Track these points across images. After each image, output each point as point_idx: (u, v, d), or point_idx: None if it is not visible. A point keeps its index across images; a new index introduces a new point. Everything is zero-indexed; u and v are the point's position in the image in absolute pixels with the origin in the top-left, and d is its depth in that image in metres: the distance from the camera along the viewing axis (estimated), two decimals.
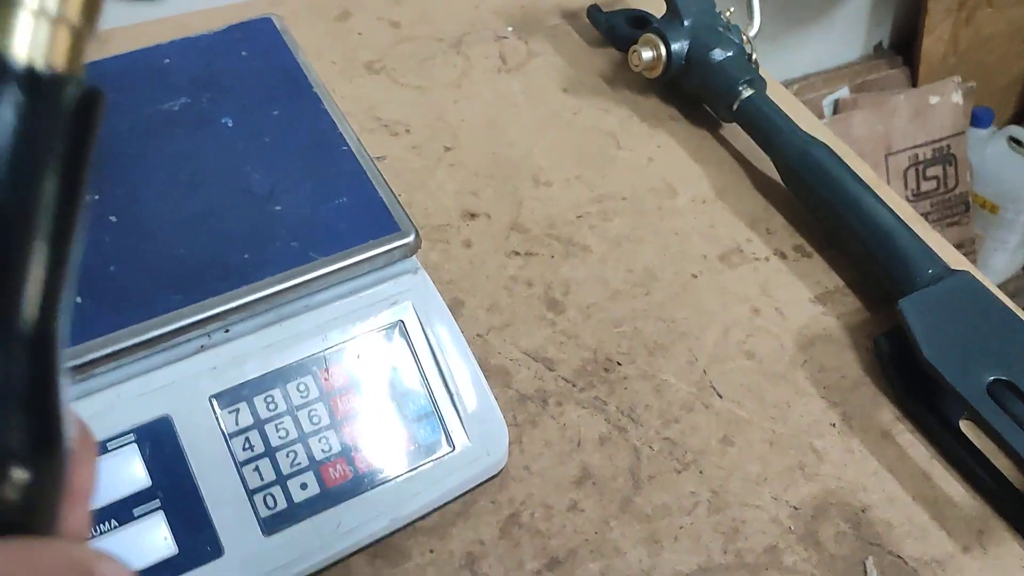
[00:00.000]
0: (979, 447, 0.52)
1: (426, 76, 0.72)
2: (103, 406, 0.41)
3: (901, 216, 0.59)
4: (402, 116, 0.69)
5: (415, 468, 0.45)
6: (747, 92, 0.66)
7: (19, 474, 0.17)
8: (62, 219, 0.18)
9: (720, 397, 0.54)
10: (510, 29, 0.78)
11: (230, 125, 0.49)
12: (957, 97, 1.46)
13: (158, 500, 0.40)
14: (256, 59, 0.54)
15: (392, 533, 0.46)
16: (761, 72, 0.69)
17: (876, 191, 0.60)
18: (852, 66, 1.50)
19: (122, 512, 0.40)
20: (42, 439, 0.18)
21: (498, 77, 0.73)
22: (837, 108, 1.47)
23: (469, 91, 0.72)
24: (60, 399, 0.19)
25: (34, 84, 0.16)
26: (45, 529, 0.18)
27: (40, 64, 0.16)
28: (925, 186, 1.48)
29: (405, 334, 0.46)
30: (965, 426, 0.52)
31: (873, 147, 1.44)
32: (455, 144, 0.67)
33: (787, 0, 1.32)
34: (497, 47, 0.76)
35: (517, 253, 0.60)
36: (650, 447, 0.52)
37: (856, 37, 1.50)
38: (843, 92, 1.48)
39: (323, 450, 0.43)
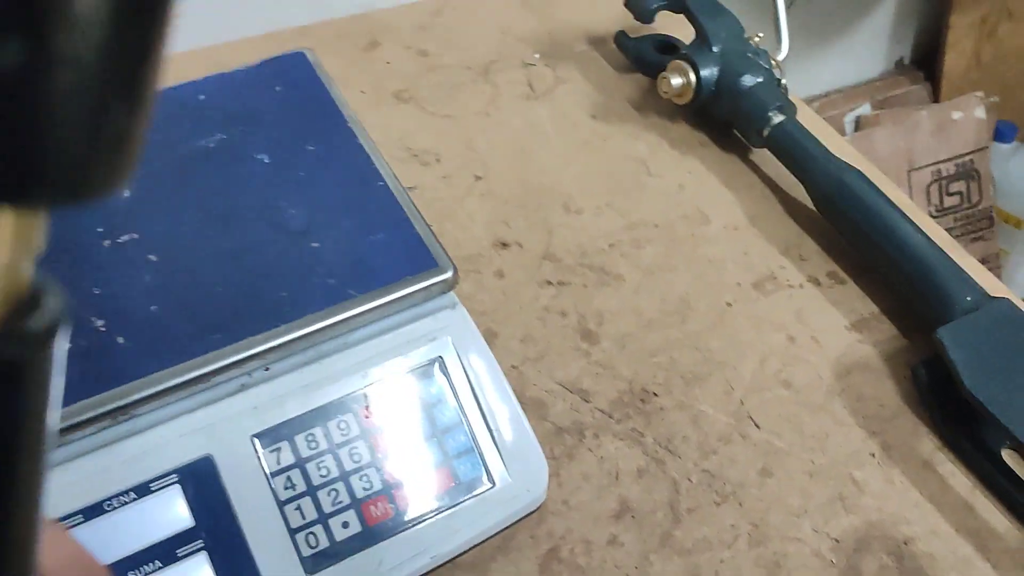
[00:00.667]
0: (1022, 477, 0.51)
1: (455, 104, 0.73)
2: (146, 447, 0.41)
3: (936, 242, 0.58)
4: (432, 145, 0.69)
5: (456, 505, 0.45)
6: (778, 118, 0.66)
7: None
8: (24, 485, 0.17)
9: (758, 428, 0.54)
10: (537, 56, 0.78)
11: (266, 161, 0.50)
12: (980, 112, 1.45)
13: (201, 540, 0.40)
14: (290, 94, 0.54)
15: (433, 570, 0.46)
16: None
17: (911, 216, 0.60)
18: (874, 82, 1.50)
19: (165, 553, 0.40)
20: None
21: (526, 104, 0.73)
22: (859, 125, 1.46)
23: (498, 119, 0.72)
24: None
25: None
26: None
27: None
28: (948, 201, 1.47)
29: (444, 370, 0.46)
30: (1008, 455, 0.52)
31: (895, 163, 1.44)
32: (485, 173, 0.67)
33: (808, 17, 1.32)
34: (524, 74, 0.76)
35: (550, 283, 0.60)
36: (689, 479, 0.51)
37: (878, 53, 1.49)
38: (865, 108, 1.47)
39: (364, 488, 0.43)
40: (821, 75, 1.43)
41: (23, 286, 0.15)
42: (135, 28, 0.14)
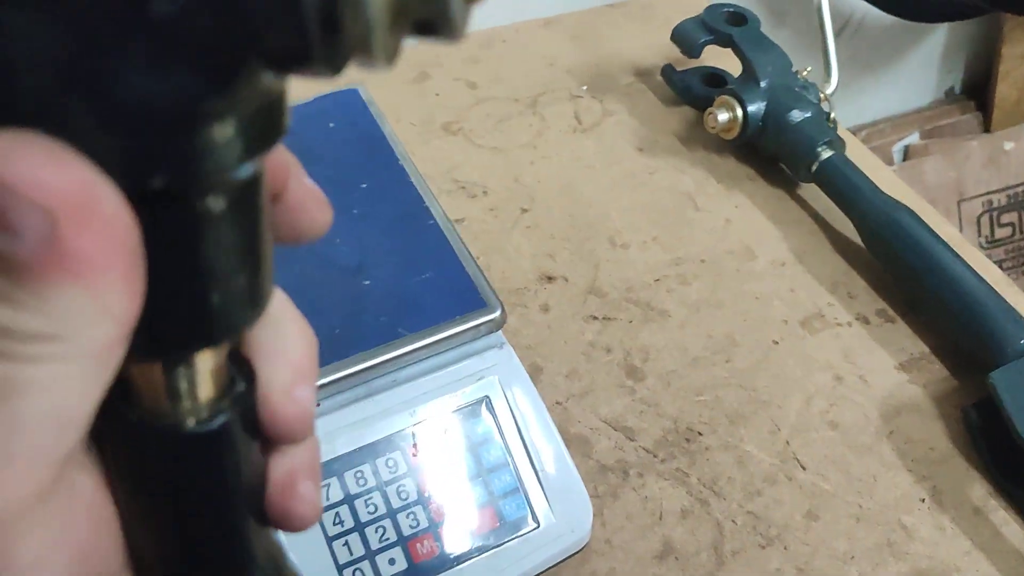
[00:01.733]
0: None
1: (503, 137, 0.73)
2: None
3: (988, 280, 0.58)
4: (479, 178, 0.69)
5: (500, 545, 0.45)
6: (826, 153, 0.66)
7: None
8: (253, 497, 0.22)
9: (804, 469, 0.54)
10: (584, 88, 0.79)
11: None
12: None
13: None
14: (343, 130, 0.55)
15: None
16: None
17: (962, 254, 0.59)
18: (923, 112, 1.48)
19: None
20: None
21: (573, 137, 0.74)
22: (908, 154, 1.45)
23: (545, 151, 0.72)
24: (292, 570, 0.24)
25: (200, 439, 0.21)
26: None
27: (202, 417, 0.20)
28: (999, 233, 1.45)
29: (491, 409, 0.46)
30: None
31: (945, 193, 1.42)
32: (532, 206, 0.68)
33: (857, 46, 1.31)
34: (572, 106, 0.77)
35: (595, 318, 0.61)
36: (733, 521, 0.51)
37: (927, 82, 1.48)
38: (914, 138, 1.45)
39: (411, 525, 0.44)
40: (870, 104, 1.42)
41: (222, 377, 0.21)
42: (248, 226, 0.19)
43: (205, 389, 0.20)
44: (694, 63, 0.78)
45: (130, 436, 0.20)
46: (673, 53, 0.78)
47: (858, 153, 0.70)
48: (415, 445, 0.45)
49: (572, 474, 0.47)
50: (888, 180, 0.68)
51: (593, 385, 0.57)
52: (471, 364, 0.47)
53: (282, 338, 0.23)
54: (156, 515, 0.21)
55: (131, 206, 0.17)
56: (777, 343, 0.60)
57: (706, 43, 0.72)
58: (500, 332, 0.48)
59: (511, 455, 0.46)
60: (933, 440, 0.55)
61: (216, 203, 0.18)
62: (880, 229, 0.61)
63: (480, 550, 0.44)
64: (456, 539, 0.44)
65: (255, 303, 0.20)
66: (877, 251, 0.62)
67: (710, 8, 0.73)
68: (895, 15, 1.20)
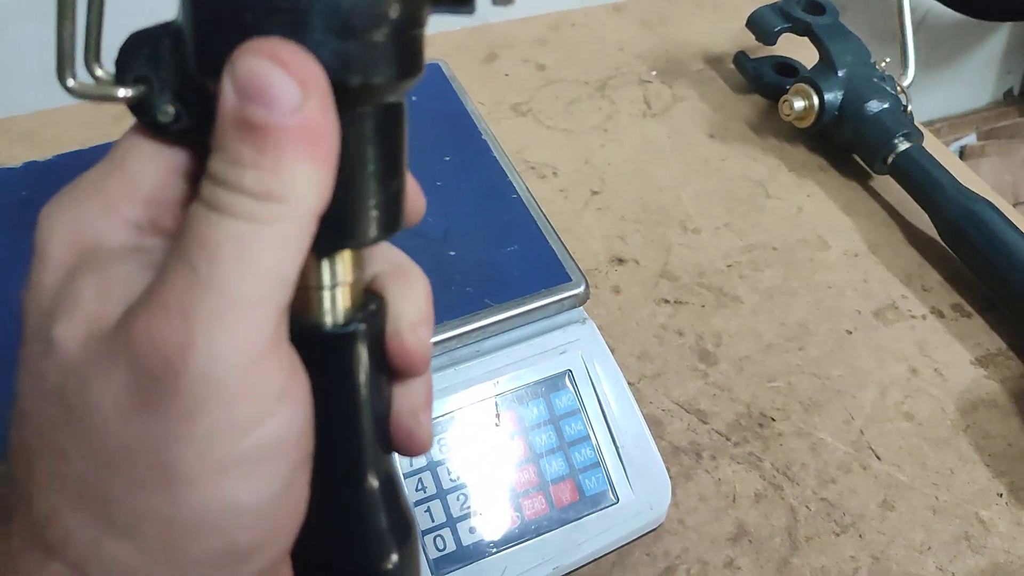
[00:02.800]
0: None
1: (572, 119, 0.73)
2: None
3: None
4: (549, 159, 0.69)
5: (580, 518, 0.45)
6: (904, 145, 0.65)
7: (393, 560, 0.25)
8: (380, 409, 0.25)
9: (879, 459, 0.53)
10: (654, 73, 0.78)
11: None
12: None
13: None
14: (426, 104, 0.55)
15: None
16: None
17: None
18: (981, 112, 1.46)
19: None
20: (403, 532, 0.25)
21: (643, 121, 0.74)
22: (963, 155, 1.43)
23: (615, 135, 0.72)
24: (405, 497, 0.26)
25: (338, 339, 0.23)
26: None
27: (340, 321, 0.24)
28: None
29: (573, 383, 0.46)
30: None
31: (1000, 195, 1.40)
32: (602, 188, 0.68)
33: (918, 44, 1.29)
34: (641, 91, 0.76)
35: (667, 301, 0.60)
36: (807, 507, 0.51)
37: (985, 84, 1.46)
38: (970, 139, 1.44)
39: (492, 495, 0.44)
40: (927, 103, 1.40)
41: (360, 291, 0.24)
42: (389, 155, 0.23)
43: (344, 299, 0.23)
44: (765, 51, 0.77)
45: None
46: (742, 42, 0.78)
47: (932, 147, 0.69)
48: (497, 415, 0.45)
49: (652, 452, 0.47)
50: (963, 174, 0.67)
51: (665, 367, 0.57)
52: (554, 337, 0.47)
53: (408, 286, 0.26)
54: None
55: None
56: (850, 333, 0.59)
57: (782, 31, 0.71)
58: (583, 308, 0.48)
59: (592, 429, 0.46)
60: (1011, 436, 0.54)
61: (371, 114, 0.22)
62: (959, 222, 0.61)
63: (559, 522, 0.44)
64: (536, 510, 0.44)
65: (391, 218, 0.23)
66: (955, 244, 0.62)
67: None
68: (959, 12, 1.18)
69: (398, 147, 0.23)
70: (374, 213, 0.23)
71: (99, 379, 0.20)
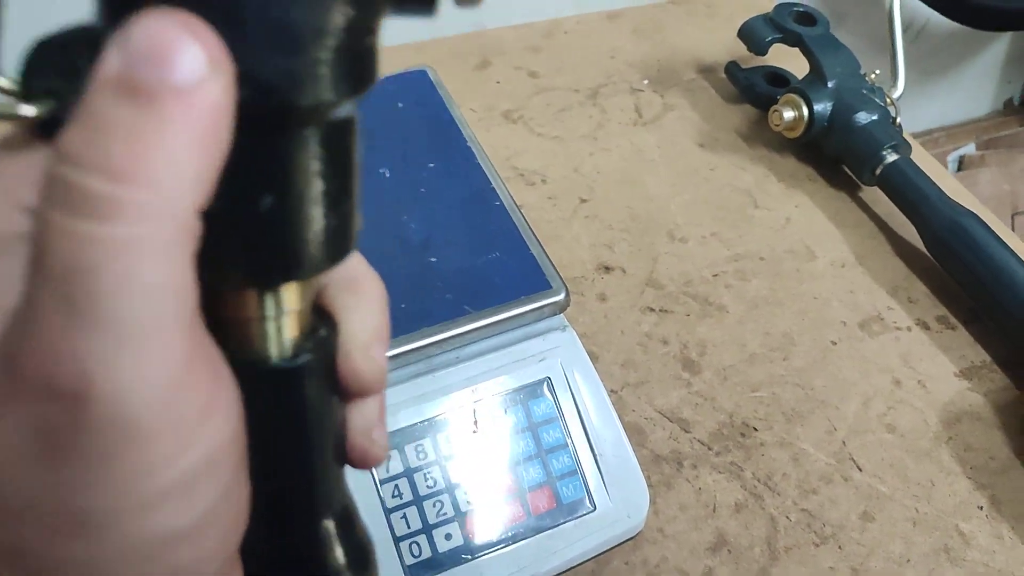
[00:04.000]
0: None
1: (562, 127, 0.73)
2: None
3: None
4: (539, 166, 0.70)
5: (556, 526, 0.45)
6: (892, 157, 0.65)
7: None
8: (334, 434, 0.24)
9: (860, 470, 0.53)
10: (646, 82, 0.78)
11: (387, 175, 0.51)
12: None
13: None
14: (411, 110, 0.55)
15: None
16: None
17: None
18: (980, 122, 1.46)
19: None
20: (361, 561, 0.25)
21: (633, 130, 0.74)
22: (962, 164, 1.43)
23: (605, 143, 0.72)
24: (360, 521, 0.25)
25: (286, 373, 0.22)
26: None
27: (287, 354, 0.22)
28: None
29: (552, 390, 0.47)
30: None
31: (999, 205, 1.40)
32: (591, 196, 0.68)
33: (917, 53, 1.30)
34: (632, 100, 0.77)
35: (652, 309, 0.60)
36: (787, 517, 0.51)
37: (985, 93, 1.46)
38: (969, 148, 1.44)
39: (468, 501, 0.44)
40: (926, 113, 1.40)
41: (306, 320, 0.22)
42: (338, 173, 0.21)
43: (290, 328, 0.22)
44: (757, 61, 0.77)
45: None
46: (734, 52, 0.78)
47: (920, 159, 0.69)
48: (475, 422, 0.45)
49: (630, 460, 0.47)
50: (952, 187, 0.67)
51: (649, 376, 0.57)
52: (533, 345, 0.47)
53: (362, 300, 0.24)
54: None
55: (242, 120, 0.18)
56: (835, 344, 0.59)
57: (773, 41, 0.71)
58: (563, 315, 0.48)
59: (570, 437, 0.46)
60: (993, 449, 0.54)
61: (318, 134, 0.20)
62: (945, 234, 0.61)
63: (536, 530, 0.45)
64: (512, 517, 0.44)
65: (341, 243, 0.21)
66: (941, 256, 0.62)
67: (779, 7, 0.72)
68: (958, 22, 1.18)
69: (350, 164, 0.21)
70: (323, 240, 0.21)
71: None
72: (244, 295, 0.21)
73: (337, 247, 0.21)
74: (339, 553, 0.24)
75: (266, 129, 0.19)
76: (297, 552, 0.23)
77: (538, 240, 0.49)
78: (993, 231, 0.60)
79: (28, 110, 0.19)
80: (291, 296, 0.21)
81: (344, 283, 0.24)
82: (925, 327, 0.61)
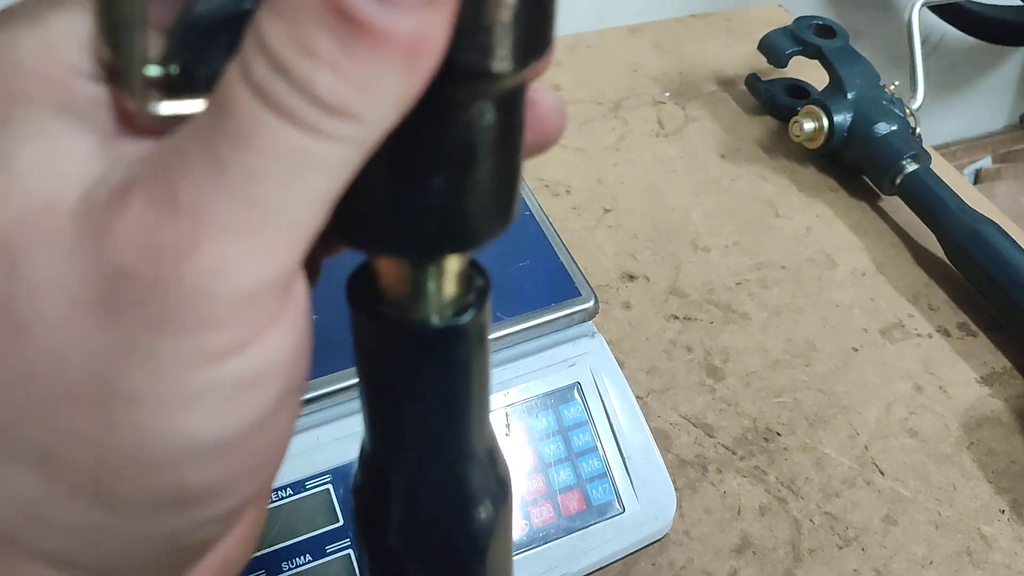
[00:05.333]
0: None
1: (586, 139, 0.75)
2: (305, 447, 0.43)
3: None
4: (563, 177, 0.71)
5: (586, 527, 0.46)
6: (912, 167, 0.66)
7: (487, 511, 0.24)
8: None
9: (882, 474, 0.54)
10: (667, 95, 0.80)
11: None
12: None
13: (349, 539, 0.43)
14: None
15: None
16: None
17: None
18: (996, 136, 1.47)
19: (315, 549, 0.42)
20: (502, 493, 0.25)
21: (656, 141, 0.75)
22: (979, 178, 1.44)
23: (628, 154, 0.74)
24: (503, 461, 0.25)
25: (445, 333, 0.21)
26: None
27: (447, 314, 0.21)
28: None
29: (581, 395, 0.48)
30: None
31: (1015, 219, 1.40)
32: (614, 206, 0.69)
33: (934, 67, 1.31)
34: (655, 112, 0.78)
35: (676, 317, 0.62)
36: (811, 520, 0.52)
37: (1001, 107, 1.46)
38: (986, 162, 1.44)
39: None
40: (942, 126, 1.41)
41: (465, 277, 0.21)
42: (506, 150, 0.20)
43: (450, 288, 0.21)
44: (777, 73, 0.78)
45: (377, 329, 0.21)
46: (754, 65, 0.79)
47: (940, 169, 0.70)
48: (507, 425, 0.46)
49: (658, 463, 0.48)
50: (971, 197, 0.68)
51: (673, 382, 0.58)
52: (564, 350, 0.48)
53: None
54: (392, 404, 0.22)
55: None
56: (857, 350, 0.60)
57: (793, 54, 0.73)
58: (592, 322, 0.50)
59: (600, 440, 0.47)
60: (1015, 454, 0.55)
61: (495, 105, 0.19)
62: (965, 242, 0.62)
63: (566, 531, 0.46)
64: (544, 518, 0.45)
65: (508, 211, 0.21)
66: (961, 264, 0.63)
67: (799, 20, 0.74)
68: (975, 37, 1.20)
69: (522, 132, 0.21)
70: (493, 212, 0.20)
71: (39, 265, 0.16)
72: (404, 263, 0.20)
73: (505, 216, 0.21)
74: (486, 485, 0.24)
75: (459, 100, 0.18)
76: (451, 485, 0.24)
77: (567, 249, 0.50)
78: (1012, 238, 0.61)
79: (194, 105, 0.17)
80: (453, 263, 0.21)
81: None
82: (946, 334, 0.62)
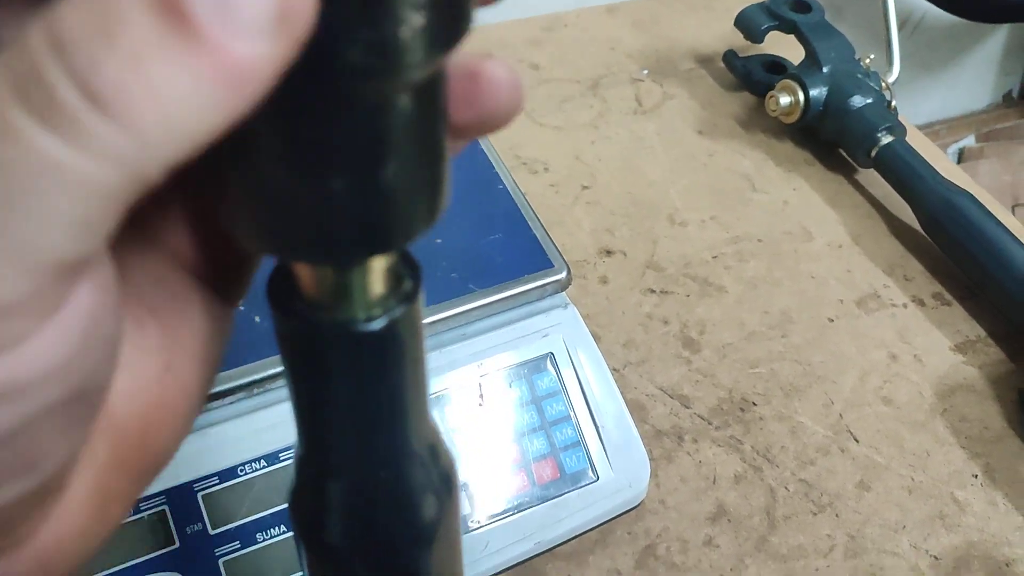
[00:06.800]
0: None
1: (564, 117, 0.75)
2: (276, 420, 0.43)
3: None
4: (541, 155, 0.71)
5: (560, 495, 0.46)
6: (887, 139, 0.66)
7: (431, 506, 0.24)
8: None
9: (857, 442, 0.54)
10: (645, 72, 0.80)
11: None
12: None
13: None
14: None
15: (534, 556, 0.47)
16: (900, 118, 0.69)
17: (1022, 239, 0.59)
18: (979, 115, 1.47)
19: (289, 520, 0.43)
20: (446, 487, 0.24)
21: (634, 118, 0.75)
22: (962, 157, 1.44)
23: (606, 132, 0.74)
24: (447, 453, 0.25)
25: (375, 335, 0.20)
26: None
27: (375, 313, 0.20)
28: None
29: (555, 365, 0.48)
30: None
31: (999, 198, 1.40)
32: (592, 183, 0.69)
33: (916, 46, 1.31)
34: (633, 89, 0.78)
35: (653, 291, 0.62)
36: (786, 488, 0.52)
37: (984, 86, 1.47)
38: (969, 141, 1.45)
39: (475, 473, 0.45)
40: (925, 105, 1.42)
41: (392, 274, 0.20)
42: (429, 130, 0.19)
43: (377, 287, 0.20)
44: (755, 50, 0.79)
45: (299, 331, 0.21)
46: (731, 42, 0.79)
47: (916, 143, 0.70)
48: (481, 395, 0.46)
49: (631, 432, 0.48)
50: (947, 170, 0.68)
51: (650, 354, 0.58)
52: (537, 321, 0.48)
53: None
54: (322, 408, 0.22)
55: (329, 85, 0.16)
56: (832, 321, 0.61)
57: (769, 29, 0.73)
58: (564, 293, 0.50)
59: (573, 410, 0.47)
60: (987, 420, 0.56)
61: (405, 98, 0.17)
62: (939, 213, 0.62)
63: (541, 499, 0.46)
64: (518, 487, 0.46)
65: (431, 210, 0.20)
66: (936, 234, 0.63)
67: None
68: (956, 14, 1.20)
69: (443, 122, 0.19)
70: (420, 207, 0.19)
71: None
72: (323, 268, 0.19)
73: (429, 211, 0.19)
74: (427, 481, 0.23)
75: (358, 97, 0.17)
76: (389, 485, 0.23)
77: (540, 221, 0.51)
78: (987, 208, 0.61)
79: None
80: (378, 262, 0.20)
81: None
82: (921, 304, 0.62)
